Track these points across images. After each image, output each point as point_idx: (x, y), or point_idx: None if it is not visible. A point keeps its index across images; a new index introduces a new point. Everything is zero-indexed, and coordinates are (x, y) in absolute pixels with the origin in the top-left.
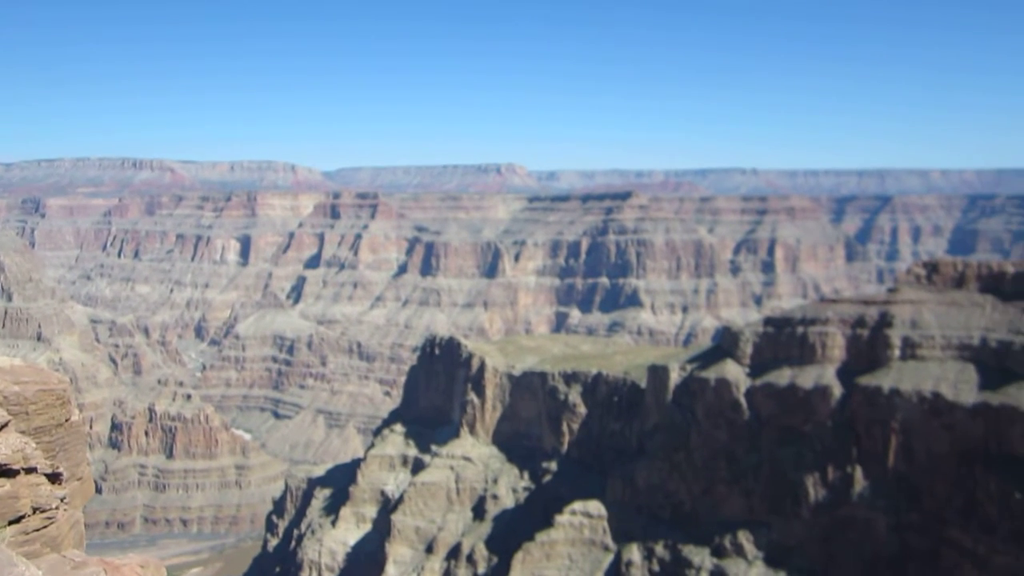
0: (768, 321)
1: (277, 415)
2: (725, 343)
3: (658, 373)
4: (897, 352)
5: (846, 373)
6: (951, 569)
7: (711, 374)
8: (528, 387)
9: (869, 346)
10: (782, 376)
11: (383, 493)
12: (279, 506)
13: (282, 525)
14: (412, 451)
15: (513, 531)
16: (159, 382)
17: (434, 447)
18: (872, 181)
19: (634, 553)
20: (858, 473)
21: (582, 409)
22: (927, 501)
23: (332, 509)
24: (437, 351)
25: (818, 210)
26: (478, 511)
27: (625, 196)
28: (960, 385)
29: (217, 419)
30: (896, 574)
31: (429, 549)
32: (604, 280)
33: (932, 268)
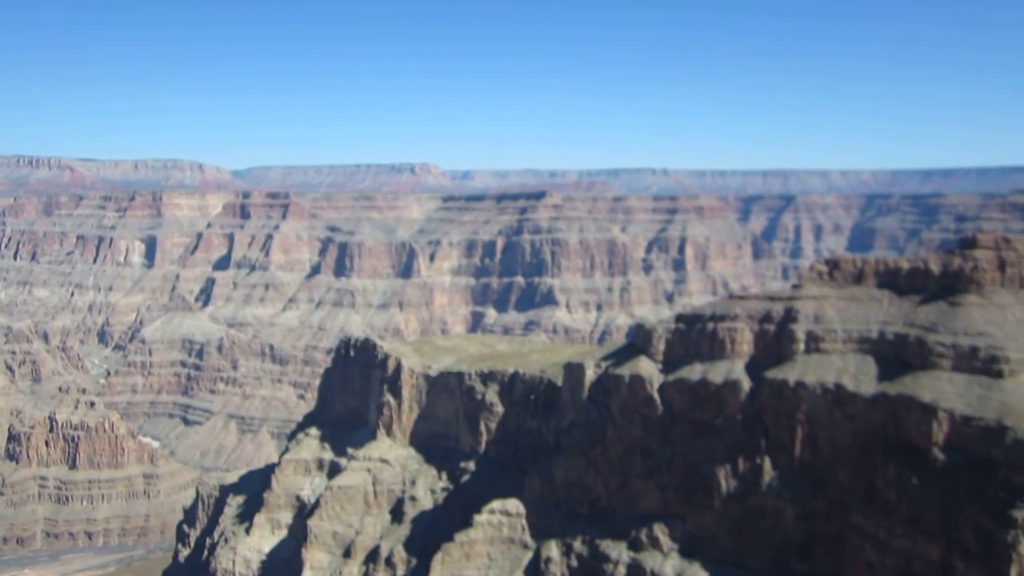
0: (680, 318)
1: (187, 421)
2: (638, 340)
3: (574, 371)
4: (802, 346)
5: (754, 367)
6: (853, 552)
7: (625, 371)
8: (445, 387)
9: (775, 341)
10: (693, 371)
11: (299, 498)
12: (190, 515)
13: (193, 534)
14: (328, 455)
15: (432, 532)
16: (60, 389)
17: (350, 450)
18: (776, 181)
19: (553, 549)
20: (767, 464)
21: (499, 408)
22: (831, 488)
23: (246, 516)
24: (352, 353)
25: (726, 209)
26: (396, 513)
27: (539, 196)
28: (860, 376)
29: (123, 427)
30: (803, 559)
31: (347, 554)
32: (519, 279)
33: (833, 265)
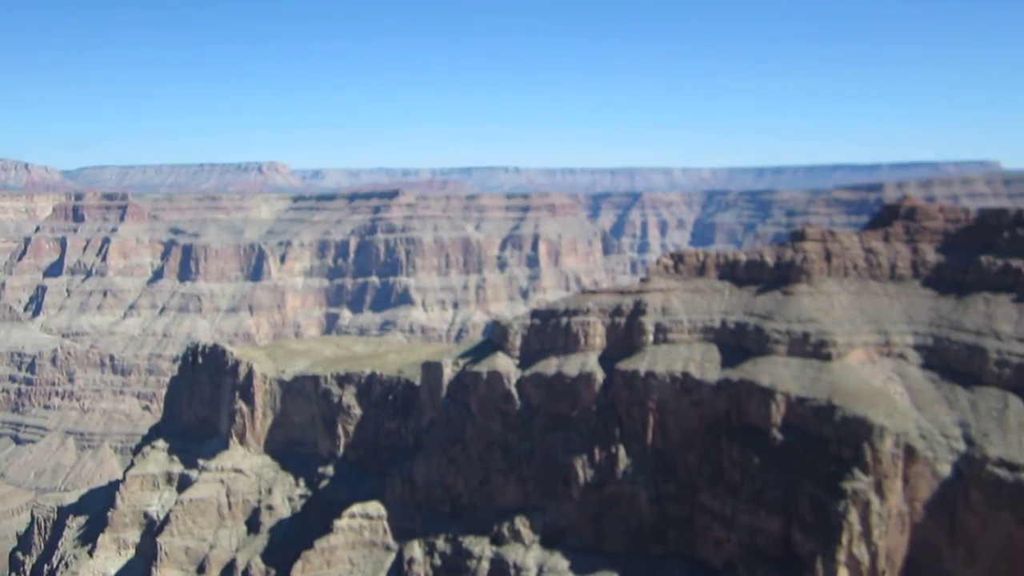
0: (535, 314)
1: (18, 440)
2: (495, 337)
3: (432, 369)
4: (651, 337)
5: (607, 359)
6: (703, 531)
7: (483, 368)
8: (300, 392)
9: (626, 333)
10: (549, 365)
11: (146, 515)
12: (25, 541)
13: (29, 561)
14: (177, 467)
15: (291, 541)
16: None
17: (201, 461)
18: (623, 179)
19: (415, 550)
20: (621, 452)
21: (357, 410)
22: (681, 472)
23: (89, 538)
24: (200, 360)
25: (576, 206)
26: (253, 524)
27: (392, 195)
28: (705, 364)
29: None
30: (658, 541)
31: (201, 569)
32: (374, 279)
33: (678, 259)
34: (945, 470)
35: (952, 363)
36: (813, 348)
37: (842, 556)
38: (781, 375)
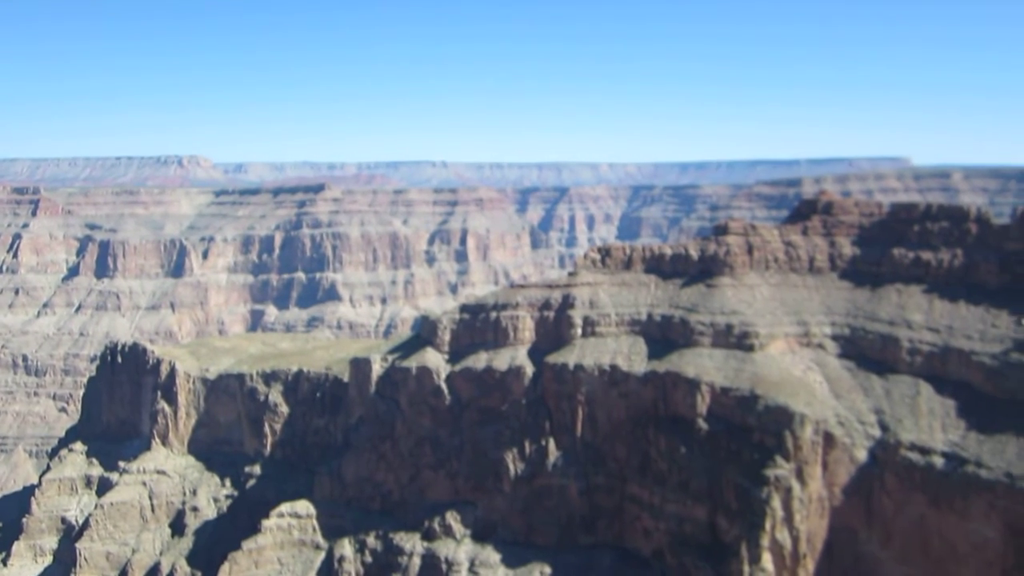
0: (464, 308)
1: None
2: (424, 332)
3: (360, 366)
4: (579, 331)
5: (536, 353)
6: (632, 521)
7: (412, 363)
8: (225, 390)
9: (555, 326)
10: (479, 360)
11: (64, 520)
12: None
13: None
14: (97, 470)
15: (218, 542)
16: None
17: (122, 464)
18: (551, 174)
19: (346, 548)
20: (551, 445)
21: (284, 408)
22: (610, 464)
23: (2, 546)
24: (120, 359)
25: (504, 201)
26: (177, 527)
27: (318, 189)
28: (633, 357)
29: None
30: (588, 532)
31: (123, 574)
32: (300, 275)
33: (605, 253)
34: (862, 455)
35: (867, 352)
36: (736, 339)
37: (766, 541)
38: (706, 366)
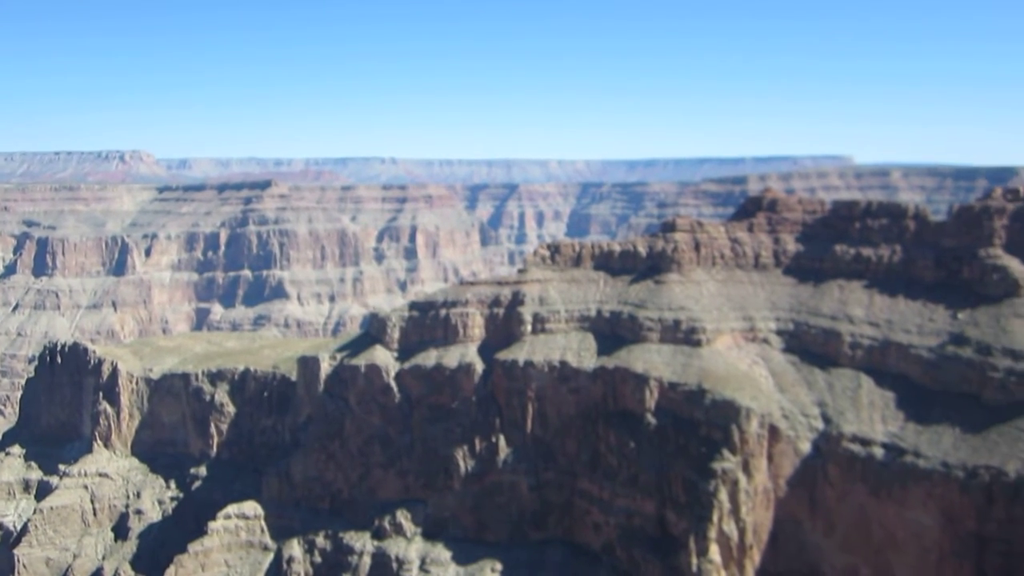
0: (413, 306)
1: None
2: (373, 329)
3: (308, 364)
4: (529, 327)
5: (487, 350)
6: (582, 516)
7: (361, 361)
8: (169, 390)
9: (505, 323)
10: (429, 357)
11: (2, 526)
12: None
13: None
14: (35, 474)
15: (163, 546)
16: None
17: (63, 467)
18: (500, 171)
19: (295, 548)
20: (502, 442)
21: (231, 408)
22: (560, 459)
23: None
24: (59, 359)
25: (454, 198)
26: (120, 530)
27: (265, 185)
28: (582, 353)
29: None
30: (538, 528)
31: None
32: (247, 273)
33: (555, 249)
34: (805, 447)
35: (810, 346)
36: (684, 335)
37: (713, 533)
38: (654, 362)
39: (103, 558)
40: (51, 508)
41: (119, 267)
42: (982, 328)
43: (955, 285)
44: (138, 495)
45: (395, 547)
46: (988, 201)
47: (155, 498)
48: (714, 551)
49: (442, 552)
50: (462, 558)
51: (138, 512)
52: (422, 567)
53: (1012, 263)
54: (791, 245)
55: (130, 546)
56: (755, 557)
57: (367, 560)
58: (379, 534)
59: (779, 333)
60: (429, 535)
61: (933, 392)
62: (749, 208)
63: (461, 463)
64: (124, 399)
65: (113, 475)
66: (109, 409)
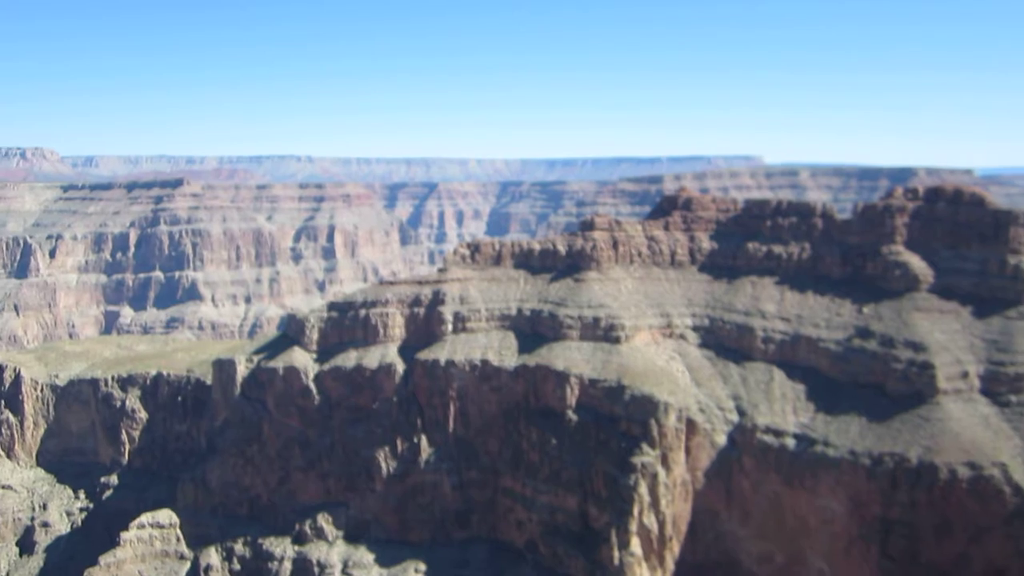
0: (332, 306)
1: None
2: (291, 331)
3: (224, 367)
4: (450, 327)
5: (407, 350)
6: (505, 513)
7: (279, 363)
8: (77, 397)
9: (426, 323)
10: (349, 358)
11: None
12: None
13: None
14: None
15: (72, 559)
16: None
17: None
18: (419, 169)
19: (212, 556)
20: (424, 442)
21: (143, 414)
22: (483, 458)
23: None
24: None
25: (373, 197)
26: (26, 544)
27: (176, 184)
28: (503, 351)
29: None
30: (462, 527)
31: None
32: (158, 274)
33: (475, 248)
34: (721, 440)
35: (725, 341)
36: (603, 332)
37: (634, 526)
38: (574, 359)
39: (7, 574)
40: None
41: (21, 269)
42: (885, 322)
43: (860, 280)
44: (44, 507)
45: (317, 551)
46: (890, 200)
47: (63, 509)
48: (635, 544)
49: (365, 555)
50: (385, 560)
51: (45, 525)
52: (344, 570)
53: (912, 259)
54: (706, 243)
55: (36, 560)
56: (675, 548)
57: (288, 566)
58: (300, 539)
59: (695, 329)
60: (351, 538)
61: (841, 383)
62: (665, 207)
63: (383, 464)
64: (28, 407)
65: (17, 487)
66: (12, 418)
